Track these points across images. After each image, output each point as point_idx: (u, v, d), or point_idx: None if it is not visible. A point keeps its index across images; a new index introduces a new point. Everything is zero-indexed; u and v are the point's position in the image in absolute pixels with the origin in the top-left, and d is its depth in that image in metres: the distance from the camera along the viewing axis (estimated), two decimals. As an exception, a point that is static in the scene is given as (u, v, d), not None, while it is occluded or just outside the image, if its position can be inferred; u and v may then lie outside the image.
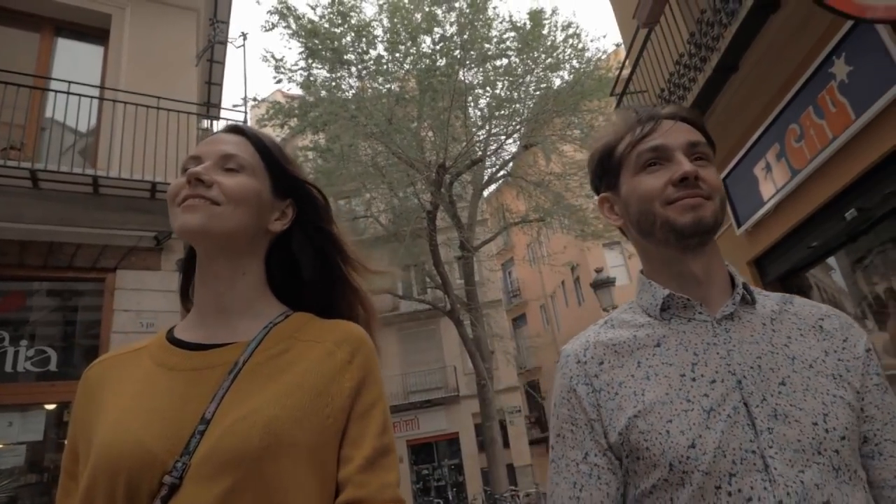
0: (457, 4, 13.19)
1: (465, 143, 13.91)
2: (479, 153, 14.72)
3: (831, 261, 4.63)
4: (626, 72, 6.53)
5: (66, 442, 0.87)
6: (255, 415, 0.78)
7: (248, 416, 0.78)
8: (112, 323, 6.42)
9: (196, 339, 0.88)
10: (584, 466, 0.89)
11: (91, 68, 7.90)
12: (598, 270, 10.48)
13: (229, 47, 9.58)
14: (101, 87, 7.30)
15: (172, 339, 0.90)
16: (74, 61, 7.94)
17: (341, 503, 0.80)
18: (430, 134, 13.57)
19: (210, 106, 10.40)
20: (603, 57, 14.52)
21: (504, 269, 30.03)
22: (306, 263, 1.01)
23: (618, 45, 14.97)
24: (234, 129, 1.00)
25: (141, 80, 7.45)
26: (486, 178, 16.23)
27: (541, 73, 14.14)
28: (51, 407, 6.22)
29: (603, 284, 10.08)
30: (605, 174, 1.03)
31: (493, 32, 13.55)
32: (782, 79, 4.31)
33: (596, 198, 1.08)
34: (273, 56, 13.64)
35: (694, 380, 0.86)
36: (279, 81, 14.45)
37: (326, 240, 1.02)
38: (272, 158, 0.98)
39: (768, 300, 0.97)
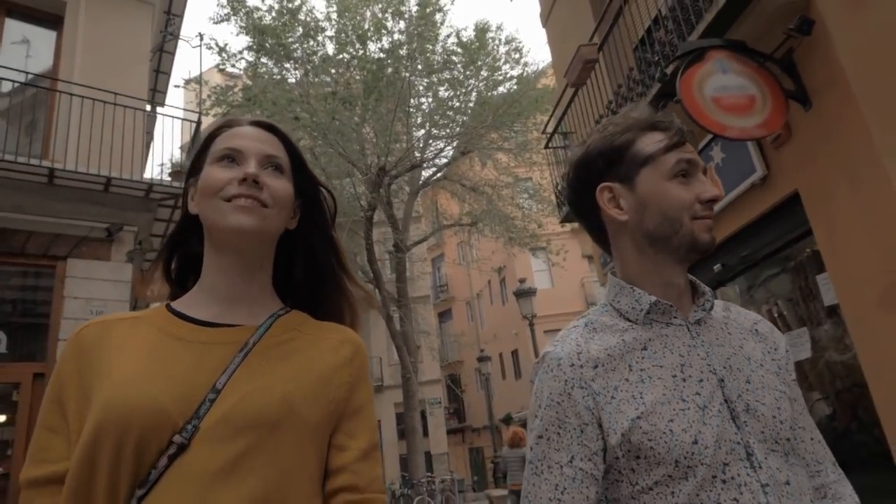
0: (404, 9, 13.68)
1: (405, 146, 14.47)
2: (419, 157, 15.36)
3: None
4: (562, 107, 7.39)
5: (44, 401, 0.86)
6: (271, 388, 0.83)
7: (264, 387, 0.82)
8: (62, 309, 6.64)
9: (203, 317, 0.91)
10: (568, 470, 0.90)
11: (44, 53, 7.90)
12: (522, 280, 11.44)
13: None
14: (54, 79, 7.38)
15: (176, 314, 0.92)
16: (25, 44, 7.87)
17: (340, 487, 0.86)
18: (372, 135, 14.03)
19: (156, 92, 10.56)
20: (539, 76, 15.46)
21: (434, 264, 30.75)
22: (300, 262, 1.04)
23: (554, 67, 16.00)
24: (265, 126, 1.00)
25: (94, 71, 7.49)
26: (422, 179, 16.90)
27: (481, 86, 14.95)
28: (-4, 388, 6.42)
29: (524, 294, 11.03)
30: (615, 163, 1.00)
31: (439, 46, 14.19)
32: (677, 151, 5.30)
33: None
34: (217, 43, 13.71)
35: (684, 380, 0.91)
36: (223, 69, 14.33)
37: (327, 242, 1.05)
38: (299, 160, 1.01)
39: (717, 307, 1.05)
